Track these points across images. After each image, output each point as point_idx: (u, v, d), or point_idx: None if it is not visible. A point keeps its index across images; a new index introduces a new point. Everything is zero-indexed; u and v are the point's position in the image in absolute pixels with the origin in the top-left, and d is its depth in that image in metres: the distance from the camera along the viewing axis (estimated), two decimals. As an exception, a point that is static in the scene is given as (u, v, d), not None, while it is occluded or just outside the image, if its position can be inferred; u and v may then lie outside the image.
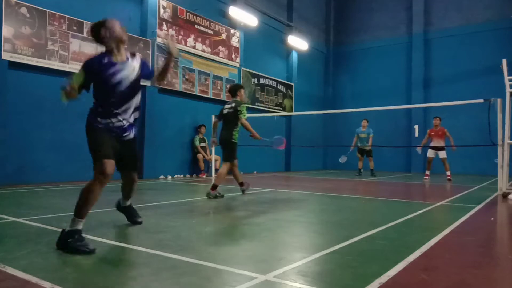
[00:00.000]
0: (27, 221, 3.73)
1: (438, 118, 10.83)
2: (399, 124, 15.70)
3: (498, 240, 3.67)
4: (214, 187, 5.80)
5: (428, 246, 2.95)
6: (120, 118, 3.20)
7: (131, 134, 3.31)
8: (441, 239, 3.21)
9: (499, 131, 6.73)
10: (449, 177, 10.62)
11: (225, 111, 6.25)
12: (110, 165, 3.10)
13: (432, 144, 10.73)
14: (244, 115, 6.15)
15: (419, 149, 12.11)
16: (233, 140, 6.17)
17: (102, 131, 3.19)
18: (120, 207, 3.77)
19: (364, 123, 12.28)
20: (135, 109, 3.35)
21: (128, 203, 3.73)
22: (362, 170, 12.64)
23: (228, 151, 6.14)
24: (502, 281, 2.34)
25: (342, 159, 12.09)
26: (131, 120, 3.29)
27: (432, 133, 10.79)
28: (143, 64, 3.35)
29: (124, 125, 3.21)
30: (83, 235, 2.83)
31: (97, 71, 3.01)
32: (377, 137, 15.06)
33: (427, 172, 11.11)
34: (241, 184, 6.50)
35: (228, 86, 6.78)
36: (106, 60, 3.05)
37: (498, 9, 14.19)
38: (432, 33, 15.46)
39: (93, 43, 8.59)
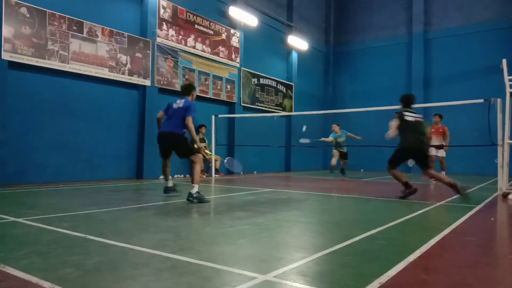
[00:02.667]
0: (27, 221, 3.73)
1: (437, 116, 10.47)
2: (399, 124, 15.66)
3: (498, 240, 3.67)
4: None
5: (428, 246, 2.94)
6: None
7: None
8: (441, 239, 3.21)
9: (499, 131, 6.73)
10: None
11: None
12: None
13: (431, 142, 10.16)
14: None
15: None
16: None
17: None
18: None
19: (336, 127, 11.50)
20: None
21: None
22: (335, 166, 11.66)
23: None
24: (502, 281, 2.34)
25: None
26: None
27: (433, 130, 10.27)
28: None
29: None
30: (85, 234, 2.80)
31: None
32: (377, 137, 15.06)
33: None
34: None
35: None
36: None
37: (498, 9, 14.20)
38: (432, 33, 15.47)
39: (93, 43, 8.63)
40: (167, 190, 5.87)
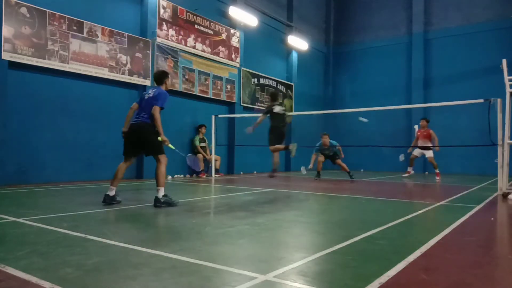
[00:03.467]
0: (27, 221, 3.73)
1: (425, 120, 11.10)
2: (399, 124, 15.69)
3: (498, 240, 3.67)
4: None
5: (428, 246, 2.95)
6: None
7: None
8: (441, 239, 3.21)
9: (499, 131, 6.73)
10: (437, 176, 10.79)
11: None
12: None
13: (418, 144, 11.01)
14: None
15: (402, 157, 11.34)
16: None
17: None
18: None
19: (326, 139, 10.55)
20: None
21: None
22: (320, 172, 10.69)
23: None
24: (502, 281, 2.34)
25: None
26: None
27: (419, 133, 11.07)
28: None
29: None
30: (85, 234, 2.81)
31: None
32: (378, 137, 15.10)
33: (410, 169, 11.42)
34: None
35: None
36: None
37: (498, 9, 14.20)
38: (432, 33, 15.47)
39: (93, 43, 8.63)
40: (108, 199, 4.97)
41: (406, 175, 11.45)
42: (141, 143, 5.01)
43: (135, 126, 4.96)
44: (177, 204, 4.88)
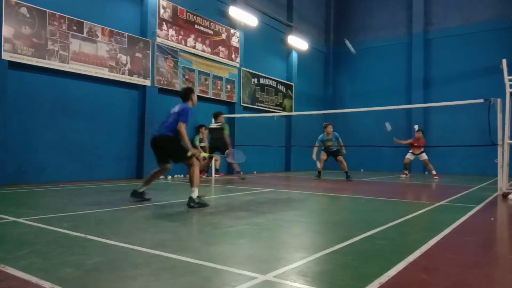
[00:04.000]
0: (27, 221, 3.73)
1: (421, 132, 11.80)
2: (399, 124, 15.68)
3: (498, 240, 3.67)
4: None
5: (428, 246, 2.95)
6: None
7: None
8: (441, 239, 3.21)
9: (499, 131, 6.73)
10: (436, 176, 11.03)
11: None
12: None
13: (411, 151, 11.77)
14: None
15: (388, 125, 10.69)
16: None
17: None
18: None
19: (329, 128, 10.51)
20: None
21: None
22: (321, 172, 10.78)
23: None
24: (502, 281, 2.34)
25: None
26: None
27: (415, 144, 11.69)
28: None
29: None
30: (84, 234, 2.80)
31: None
32: (378, 137, 15.08)
33: (406, 172, 11.95)
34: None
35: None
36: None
37: (498, 9, 14.20)
38: (432, 33, 15.47)
39: (93, 43, 8.63)
40: (135, 194, 5.29)
41: (403, 176, 11.78)
42: (167, 153, 5.22)
43: (154, 139, 5.20)
44: (208, 205, 4.94)
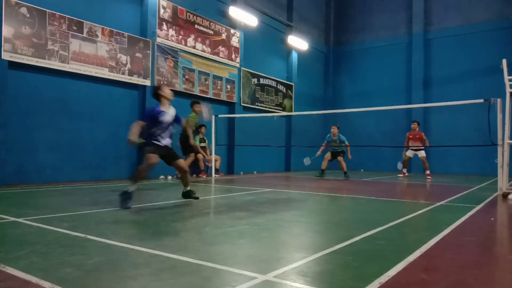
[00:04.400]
0: (27, 221, 3.73)
1: (416, 123, 11.50)
2: (399, 124, 15.69)
3: (498, 240, 3.67)
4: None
5: (428, 246, 2.94)
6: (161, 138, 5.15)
7: (168, 144, 5.24)
8: (441, 239, 3.21)
9: (499, 131, 6.73)
10: (428, 177, 11.03)
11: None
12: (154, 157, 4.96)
13: (411, 145, 11.44)
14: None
15: (307, 160, 11.61)
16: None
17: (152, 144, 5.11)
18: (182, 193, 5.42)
19: (335, 129, 10.99)
20: (170, 135, 5.30)
21: (187, 188, 5.37)
22: (324, 171, 11.23)
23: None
24: (502, 281, 2.34)
25: (306, 161, 11.39)
26: (167, 139, 5.24)
27: (410, 136, 11.42)
28: (176, 114, 5.31)
29: (162, 142, 5.15)
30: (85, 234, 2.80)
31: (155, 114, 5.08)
32: (378, 137, 15.10)
33: (404, 170, 11.87)
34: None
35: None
36: (158, 108, 5.14)
37: (498, 9, 14.20)
38: (432, 33, 15.47)
39: (93, 43, 8.63)
40: (186, 195, 5.44)
41: (401, 176, 11.74)
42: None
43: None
44: (129, 207, 4.62)
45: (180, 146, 8.89)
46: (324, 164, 11.18)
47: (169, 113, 5.18)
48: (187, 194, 5.38)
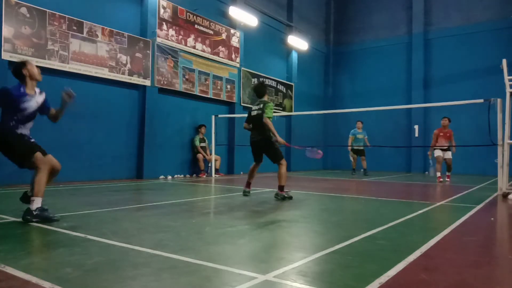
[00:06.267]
0: (27, 221, 3.72)
1: (447, 119, 9.90)
2: (399, 124, 15.70)
3: (498, 240, 3.67)
4: (281, 188, 5.84)
5: (428, 246, 2.95)
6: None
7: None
8: (441, 239, 3.21)
9: (499, 131, 6.73)
10: (448, 179, 10.14)
11: (254, 113, 6.04)
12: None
13: (438, 145, 9.86)
14: (268, 115, 5.76)
15: (431, 154, 10.24)
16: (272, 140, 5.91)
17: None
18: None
19: (359, 124, 12.43)
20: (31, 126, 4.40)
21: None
22: (356, 169, 12.94)
23: (272, 151, 5.92)
24: (502, 281, 2.34)
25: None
26: (28, 131, 4.39)
27: (441, 134, 9.85)
28: (45, 101, 4.43)
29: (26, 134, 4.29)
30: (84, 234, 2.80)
31: (14, 97, 4.13)
32: (378, 137, 15.09)
33: (439, 174, 9.89)
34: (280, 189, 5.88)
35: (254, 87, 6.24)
36: (22, 90, 4.26)
37: (498, 9, 14.20)
38: (432, 33, 15.47)
39: (93, 43, 8.63)
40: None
41: (441, 181, 9.82)
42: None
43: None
44: (57, 219, 3.72)
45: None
46: (354, 164, 12.71)
47: (35, 98, 4.19)
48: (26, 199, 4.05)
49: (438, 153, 9.89)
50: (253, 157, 6.16)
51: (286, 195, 5.77)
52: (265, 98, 6.10)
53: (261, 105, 5.90)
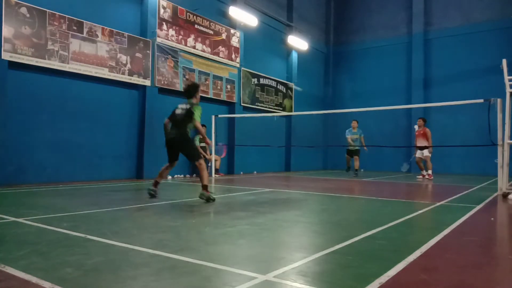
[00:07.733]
0: (27, 221, 3.73)
1: (421, 119, 10.93)
2: (399, 124, 15.70)
3: (498, 240, 3.67)
4: (205, 187, 5.40)
5: (428, 246, 2.95)
6: None
7: None
8: (441, 239, 3.21)
9: (499, 131, 6.73)
10: (430, 176, 10.71)
11: (178, 111, 5.69)
12: None
13: (418, 144, 10.82)
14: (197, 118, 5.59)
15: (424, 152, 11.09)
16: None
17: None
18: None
19: (354, 124, 11.96)
20: None
21: None
22: (350, 167, 12.44)
23: (188, 148, 5.68)
24: (502, 281, 2.34)
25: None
26: None
27: (416, 133, 10.98)
28: None
29: None
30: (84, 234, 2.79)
31: None
32: (377, 137, 15.10)
33: (424, 172, 11.01)
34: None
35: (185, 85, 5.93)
36: None
37: (498, 9, 14.19)
38: (432, 33, 15.47)
39: (93, 43, 8.63)
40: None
41: (420, 178, 11.03)
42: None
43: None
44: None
45: None
46: (349, 162, 12.32)
47: None
48: None
49: (417, 154, 11.02)
50: (168, 156, 5.77)
51: (210, 197, 5.33)
52: (194, 100, 5.72)
53: (188, 107, 5.60)
